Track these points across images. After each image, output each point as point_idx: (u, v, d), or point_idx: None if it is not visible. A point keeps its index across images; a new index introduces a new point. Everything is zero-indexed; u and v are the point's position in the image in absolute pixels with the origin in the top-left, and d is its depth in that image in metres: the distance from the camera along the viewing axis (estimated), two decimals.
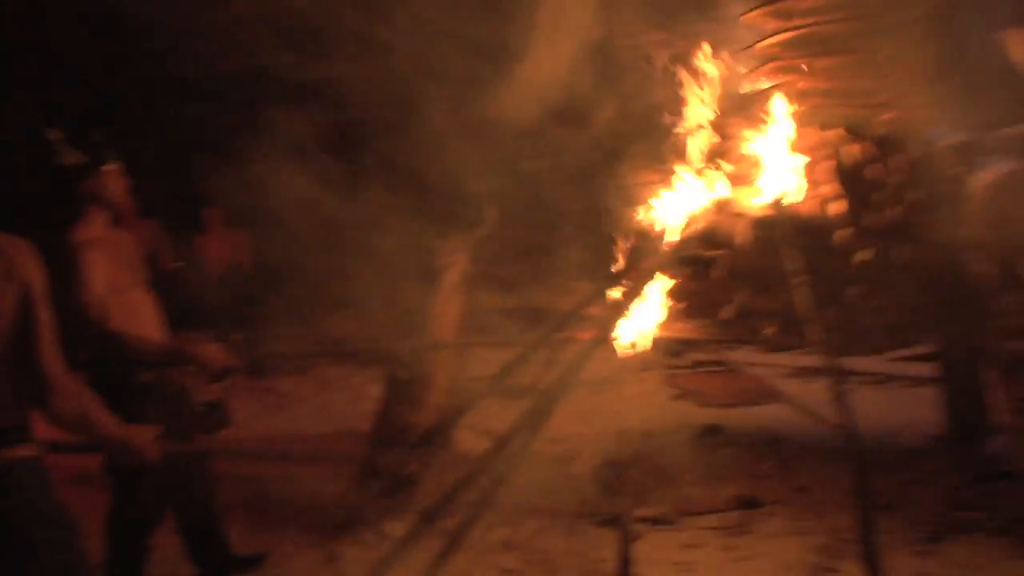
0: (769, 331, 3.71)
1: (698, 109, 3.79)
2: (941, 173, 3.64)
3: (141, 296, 3.39)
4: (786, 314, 3.56)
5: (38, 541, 2.16)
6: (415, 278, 4.40)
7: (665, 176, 3.83)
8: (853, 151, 3.58)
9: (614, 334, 3.87)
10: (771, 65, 3.55)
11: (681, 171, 3.79)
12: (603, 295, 3.95)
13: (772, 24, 3.43)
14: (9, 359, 2.07)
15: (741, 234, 3.54)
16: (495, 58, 4.14)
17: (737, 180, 3.70)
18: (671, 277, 3.76)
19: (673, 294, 3.87)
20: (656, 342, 7.77)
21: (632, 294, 3.76)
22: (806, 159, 3.60)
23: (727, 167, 3.72)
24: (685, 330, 4.20)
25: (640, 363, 7.43)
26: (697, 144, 3.79)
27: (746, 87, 3.69)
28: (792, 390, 6.35)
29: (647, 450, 5.01)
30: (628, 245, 3.92)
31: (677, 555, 3.80)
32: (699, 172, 3.72)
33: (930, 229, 3.55)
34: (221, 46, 4.59)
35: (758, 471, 4.78)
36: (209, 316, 8.32)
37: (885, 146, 3.59)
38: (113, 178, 3.30)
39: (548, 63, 3.92)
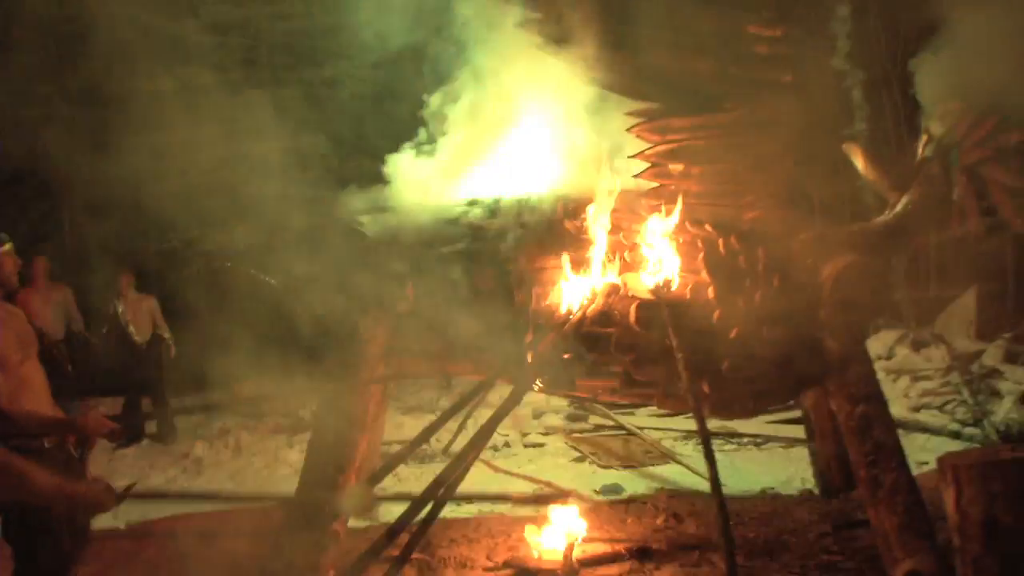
0: (655, 397, 4.23)
1: (598, 206, 4.35)
2: (796, 263, 4.29)
3: (31, 368, 3.41)
4: (669, 383, 4.10)
5: None
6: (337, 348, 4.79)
7: (567, 263, 4.36)
8: (723, 244, 4.20)
9: (521, 401, 4.31)
10: (653, 170, 4.15)
11: (581, 258, 4.34)
12: (514, 365, 4.41)
13: (653, 137, 4.03)
14: None
15: (630, 314, 4.08)
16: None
17: (627, 268, 4.26)
18: (572, 350, 4.24)
19: (575, 365, 4.36)
20: (560, 408, 8.26)
21: (539, 364, 4.24)
22: (683, 250, 4.20)
23: (619, 257, 4.29)
24: (586, 396, 4.70)
25: (545, 428, 7.95)
26: (595, 235, 4.35)
27: (635, 189, 4.29)
28: (684, 451, 6.94)
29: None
30: (535, 321, 4.41)
31: None
32: (596, 260, 4.28)
33: (787, 311, 4.17)
34: None
35: (653, 524, 5.27)
36: (120, 380, 8.42)
37: (749, 240, 4.22)
38: (4, 259, 3.46)
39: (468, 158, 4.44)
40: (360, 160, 7.57)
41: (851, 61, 4.19)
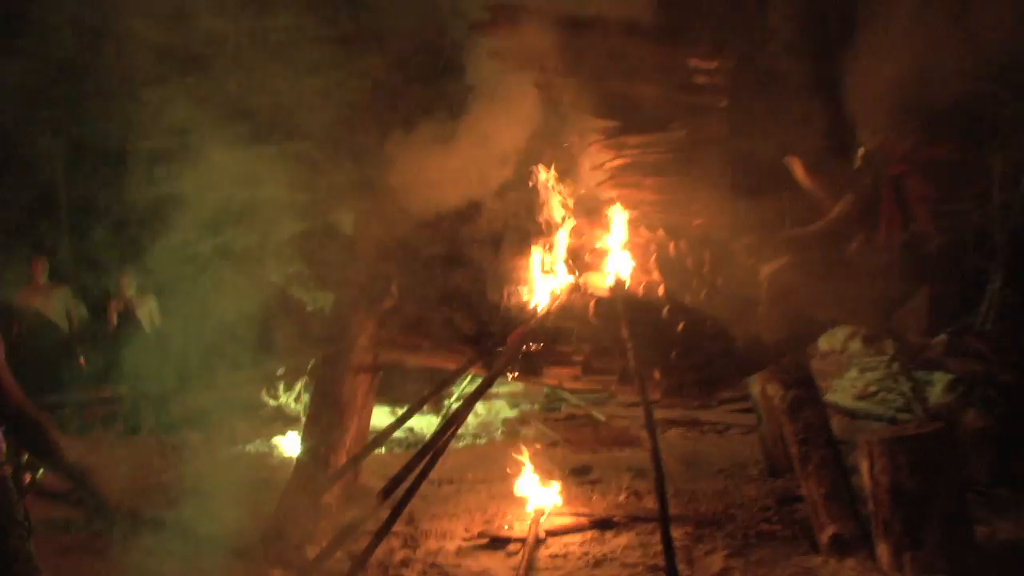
0: (612, 383, 4.77)
1: (561, 213, 4.89)
2: (739, 265, 4.83)
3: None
4: (624, 370, 4.64)
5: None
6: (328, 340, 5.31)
7: (535, 263, 4.90)
8: (672, 247, 4.74)
9: (495, 390, 4.84)
10: (611, 182, 4.69)
11: (546, 260, 4.88)
12: (485, 357, 4.94)
13: (610, 153, 4.58)
14: None
15: (589, 309, 4.62)
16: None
17: (587, 268, 4.80)
18: (539, 341, 4.79)
19: (542, 354, 4.90)
20: (535, 399, 8.79)
21: (508, 356, 4.77)
22: (637, 252, 4.74)
23: (580, 258, 4.83)
24: (553, 383, 5.24)
25: (521, 415, 8.48)
26: (559, 239, 4.89)
27: (594, 198, 4.83)
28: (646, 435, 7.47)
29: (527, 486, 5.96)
30: (505, 317, 4.94)
31: (550, 561, 4.79)
32: (560, 261, 4.82)
33: (729, 307, 4.72)
34: None
35: (615, 501, 5.81)
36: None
37: (696, 244, 4.76)
38: None
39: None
40: (349, 167, 8.06)
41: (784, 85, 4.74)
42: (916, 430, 4.39)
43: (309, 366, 8.06)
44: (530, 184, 4.97)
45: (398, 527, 4.99)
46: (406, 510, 4.70)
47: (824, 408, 4.84)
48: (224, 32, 8.08)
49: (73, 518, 5.56)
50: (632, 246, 4.75)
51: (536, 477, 5.89)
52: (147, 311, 9.10)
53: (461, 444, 7.70)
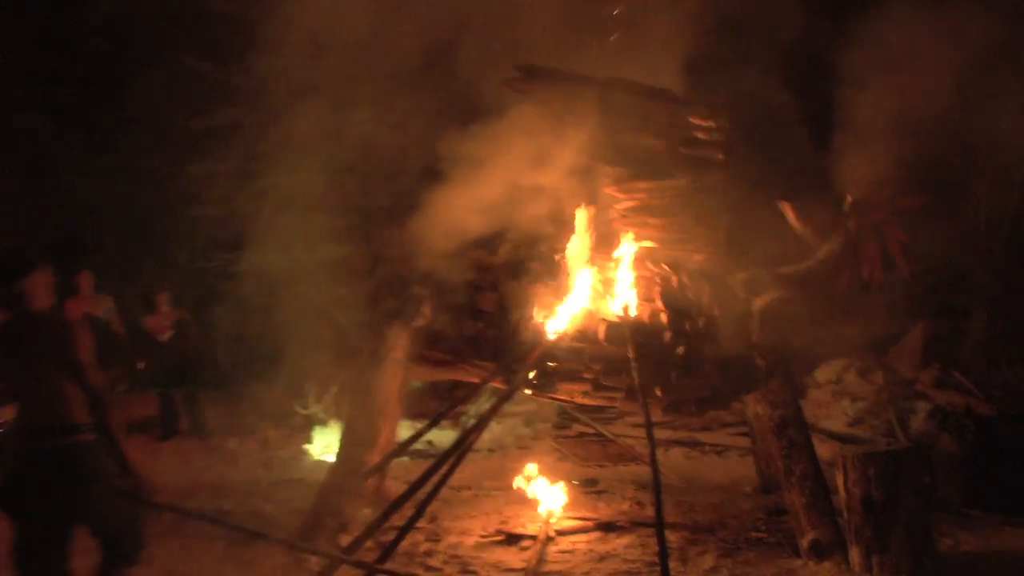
0: (618, 399, 5.36)
1: (577, 247, 5.53)
2: (734, 297, 5.44)
3: None
4: (629, 388, 5.23)
5: (95, 491, 3.64)
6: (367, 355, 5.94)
7: (552, 290, 5.52)
8: (675, 280, 5.35)
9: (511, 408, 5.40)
10: (621, 221, 5.33)
11: (563, 287, 5.51)
12: (506, 373, 5.53)
13: (622, 195, 5.22)
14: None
15: (600, 332, 5.23)
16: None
17: (598, 296, 5.42)
18: (553, 360, 5.39)
19: (557, 372, 5.50)
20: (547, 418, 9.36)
21: (526, 372, 5.37)
22: (643, 284, 5.36)
23: (594, 287, 5.45)
24: (565, 399, 5.83)
25: (534, 433, 9.07)
26: (574, 270, 5.52)
27: (606, 235, 5.47)
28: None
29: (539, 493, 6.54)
30: (525, 337, 5.55)
31: (558, 556, 5.36)
32: (574, 290, 5.44)
33: (726, 335, 5.32)
34: None
35: (619, 508, 6.38)
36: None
37: (696, 278, 5.38)
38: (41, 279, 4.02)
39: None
40: (383, 195, 8.74)
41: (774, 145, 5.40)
42: (885, 448, 4.97)
43: (342, 377, 8.68)
44: (557, 220, 5.59)
45: (422, 524, 5.58)
46: (429, 510, 5.32)
47: (806, 427, 5.41)
48: (276, 70, 8.86)
49: None
50: (638, 277, 5.36)
51: (547, 486, 6.47)
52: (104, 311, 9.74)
53: (479, 456, 8.28)
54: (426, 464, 7.69)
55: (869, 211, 5.71)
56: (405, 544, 5.28)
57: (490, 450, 8.64)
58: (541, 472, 6.99)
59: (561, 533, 5.75)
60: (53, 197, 10.93)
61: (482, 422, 5.42)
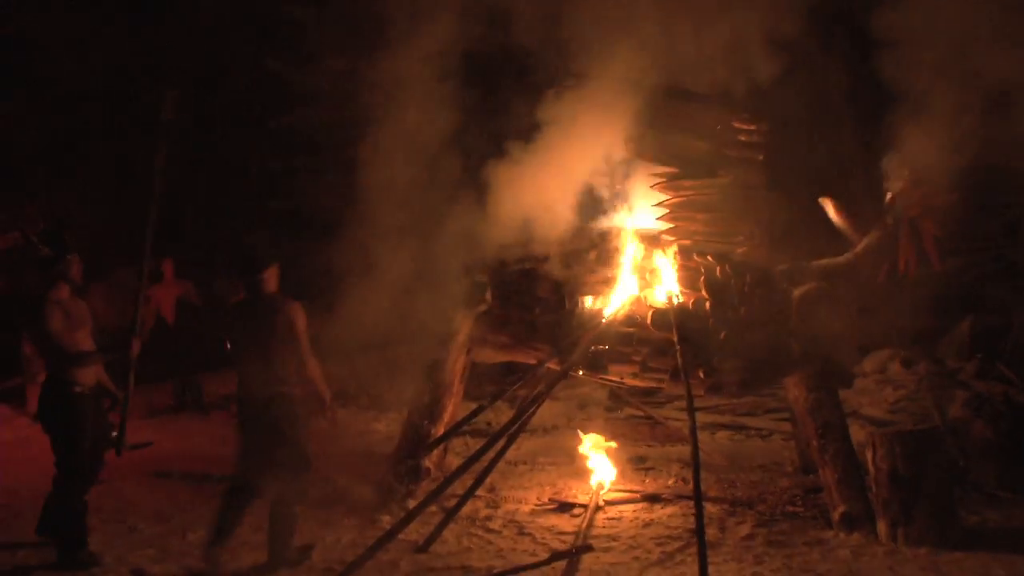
0: (664, 380, 5.82)
1: (628, 240, 6.01)
2: (774, 287, 5.85)
3: (83, 336, 5.26)
4: (673, 369, 5.69)
5: (291, 431, 4.87)
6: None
7: (605, 280, 6.01)
8: (719, 270, 5.78)
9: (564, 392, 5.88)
10: (669, 215, 5.78)
11: (614, 277, 5.99)
12: (561, 354, 6.04)
13: (670, 193, 5.67)
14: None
15: (648, 318, 5.70)
16: None
17: (647, 284, 5.89)
18: (604, 344, 5.88)
19: (608, 354, 5.98)
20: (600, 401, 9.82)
21: (580, 354, 5.87)
22: (689, 274, 5.81)
23: (642, 276, 5.93)
24: (615, 379, 6.31)
25: (587, 415, 9.55)
26: (626, 261, 5.99)
27: (655, 228, 5.93)
28: (699, 437, 8.46)
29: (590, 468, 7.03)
30: (578, 322, 6.05)
31: (607, 522, 5.86)
32: (625, 279, 5.92)
33: (764, 321, 5.74)
34: None
35: (665, 483, 6.84)
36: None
37: (739, 268, 5.80)
38: (74, 264, 5.32)
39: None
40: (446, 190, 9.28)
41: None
42: (911, 427, 5.34)
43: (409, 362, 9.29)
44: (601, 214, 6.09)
45: (481, 492, 6.13)
46: (488, 481, 5.91)
47: (840, 409, 5.80)
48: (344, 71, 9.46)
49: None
50: (684, 268, 5.81)
51: (598, 462, 6.96)
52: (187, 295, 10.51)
53: (534, 435, 8.80)
54: (485, 442, 8.30)
55: (906, 207, 6.05)
56: (467, 509, 5.85)
57: (545, 430, 9.14)
58: (592, 450, 7.49)
59: (610, 503, 6.24)
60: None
61: (537, 401, 5.94)
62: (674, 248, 5.86)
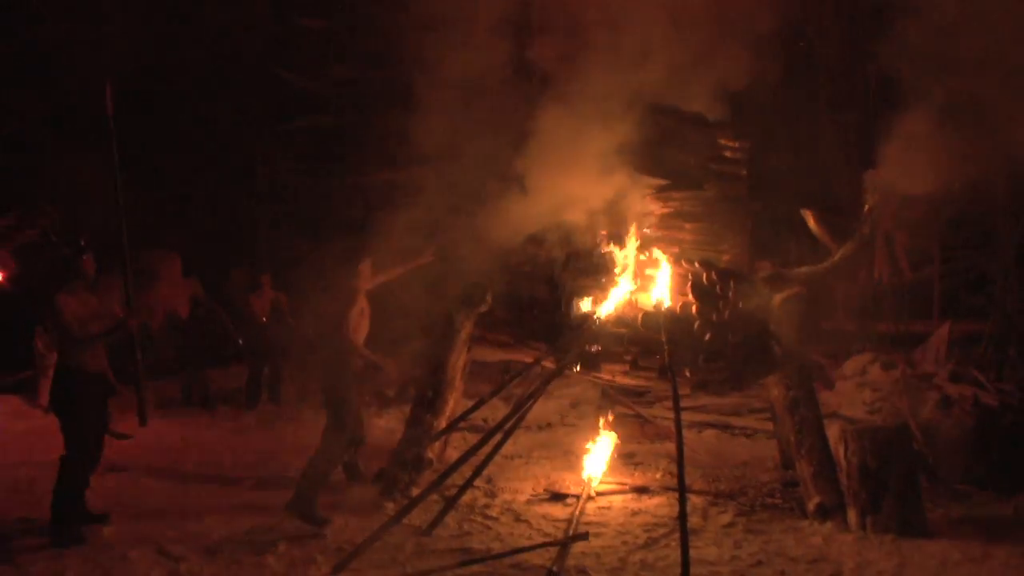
0: (653, 378, 6.23)
1: (620, 246, 6.41)
2: (757, 292, 6.26)
3: (95, 326, 5.74)
4: (662, 368, 6.10)
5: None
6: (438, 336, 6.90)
7: (598, 283, 6.42)
8: (705, 276, 6.19)
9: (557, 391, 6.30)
10: (659, 224, 6.20)
11: (607, 281, 6.40)
12: (556, 353, 6.45)
13: (660, 203, 6.10)
14: None
15: (638, 320, 6.10)
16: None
17: (638, 289, 6.30)
18: (597, 344, 6.29)
19: (600, 353, 6.40)
20: (592, 400, 10.18)
21: (575, 353, 6.28)
22: (677, 279, 6.22)
23: (633, 281, 6.34)
24: (608, 377, 6.73)
25: (579, 414, 9.94)
26: (618, 266, 6.40)
27: (646, 237, 6.34)
28: (686, 435, 8.86)
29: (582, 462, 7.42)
30: (573, 323, 6.45)
31: (598, 511, 6.26)
32: (617, 283, 6.33)
33: (747, 324, 6.15)
34: None
35: (653, 476, 7.24)
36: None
37: (724, 275, 6.21)
38: (88, 263, 5.82)
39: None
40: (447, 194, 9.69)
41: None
42: (880, 424, 5.75)
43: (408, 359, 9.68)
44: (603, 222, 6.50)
45: (479, 483, 6.53)
46: (485, 473, 6.29)
47: (817, 406, 6.20)
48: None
49: None
50: (673, 274, 6.22)
51: (590, 457, 7.35)
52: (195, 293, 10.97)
53: (530, 432, 9.19)
54: (484, 435, 8.67)
55: (880, 220, 6.48)
56: (466, 499, 6.25)
57: (540, 427, 9.53)
58: (585, 445, 7.88)
59: (600, 494, 6.64)
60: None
61: (533, 396, 6.34)
62: (664, 255, 6.26)
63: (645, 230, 6.33)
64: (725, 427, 9.27)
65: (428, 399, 6.62)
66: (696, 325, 6.10)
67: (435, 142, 7.80)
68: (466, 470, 6.13)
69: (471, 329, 6.77)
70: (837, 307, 6.65)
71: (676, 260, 6.25)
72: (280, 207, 10.98)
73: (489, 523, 6.03)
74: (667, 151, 5.96)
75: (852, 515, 5.65)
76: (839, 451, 5.74)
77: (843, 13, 8.77)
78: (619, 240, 6.43)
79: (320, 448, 6.08)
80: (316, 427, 9.47)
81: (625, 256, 6.40)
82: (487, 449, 6.06)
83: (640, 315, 6.09)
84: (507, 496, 6.68)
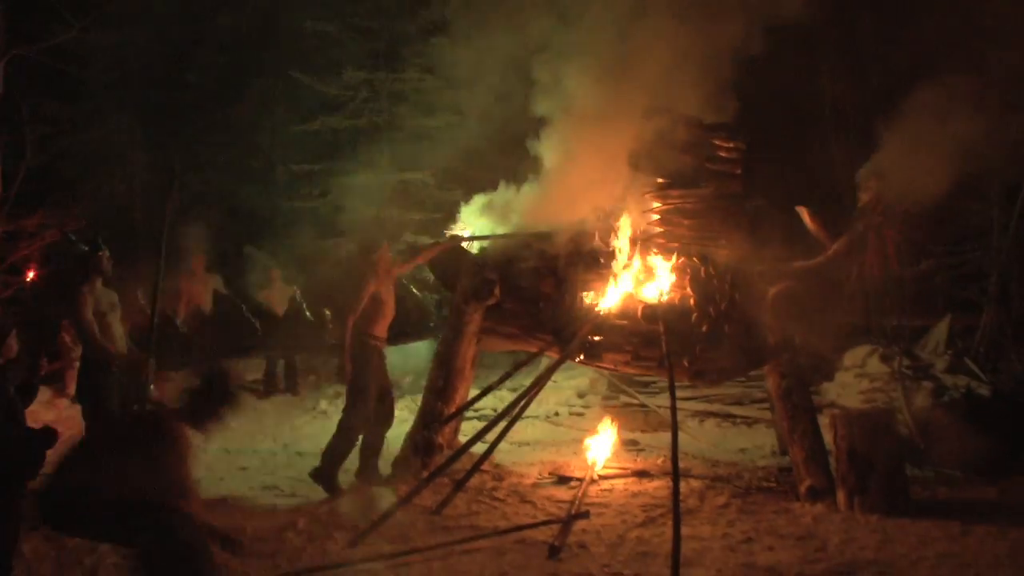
0: (652, 368, 6.53)
1: (621, 242, 6.72)
2: (752, 286, 6.55)
3: (113, 320, 6.22)
4: (661, 358, 6.39)
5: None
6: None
7: (599, 277, 6.73)
8: (702, 270, 6.49)
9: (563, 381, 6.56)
10: (658, 220, 6.50)
11: (608, 274, 6.71)
12: (561, 344, 6.75)
13: (658, 200, 6.40)
14: None
15: (639, 312, 6.41)
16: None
17: (638, 282, 6.60)
18: (600, 335, 6.59)
19: (603, 344, 6.68)
20: (597, 391, 10.51)
21: (578, 343, 6.58)
22: (676, 273, 6.52)
23: (634, 274, 6.64)
24: (610, 367, 7.02)
25: (585, 403, 10.26)
26: (619, 260, 6.71)
27: (646, 232, 6.64)
28: (690, 424, 9.19)
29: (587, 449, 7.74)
30: (577, 314, 6.76)
31: (600, 493, 6.58)
32: (617, 276, 6.63)
33: (743, 315, 6.45)
34: None
35: (654, 462, 7.56)
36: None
37: (721, 269, 6.50)
38: (104, 259, 6.20)
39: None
40: (456, 192, 10.05)
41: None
42: (868, 410, 6.04)
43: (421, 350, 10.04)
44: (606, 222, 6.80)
45: (487, 467, 6.84)
46: (493, 458, 6.61)
47: (809, 394, 6.50)
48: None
49: None
50: (672, 267, 6.52)
51: (594, 443, 7.66)
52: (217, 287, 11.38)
53: (537, 421, 9.53)
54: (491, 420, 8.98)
55: (873, 216, 6.75)
56: (475, 482, 6.57)
57: (546, 416, 9.87)
58: (590, 433, 8.19)
59: (603, 477, 6.96)
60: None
61: (538, 384, 6.65)
62: (663, 250, 6.57)
63: (645, 227, 6.62)
64: (726, 416, 9.56)
65: (439, 388, 6.94)
66: (694, 317, 6.40)
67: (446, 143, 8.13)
68: (475, 454, 6.46)
69: (480, 321, 7.07)
70: (844, 301, 6.89)
71: (675, 255, 6.54)
72: (296, 204, 11.35)
73: (496, 504, 6.36)
74: (665, 151, 6.25)
75: (841, 496, 5.95)
76: (829, 436, 6.03)
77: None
78: (621, 236, 6.72)
79: (339, 426, 6.62)
80: (329, 415, 9.94)
81: (626, 252, 6.70)
82: (494, 434, 6.38)
83: (641, 308, 6.39)
84: (514, 479, 7.00)
